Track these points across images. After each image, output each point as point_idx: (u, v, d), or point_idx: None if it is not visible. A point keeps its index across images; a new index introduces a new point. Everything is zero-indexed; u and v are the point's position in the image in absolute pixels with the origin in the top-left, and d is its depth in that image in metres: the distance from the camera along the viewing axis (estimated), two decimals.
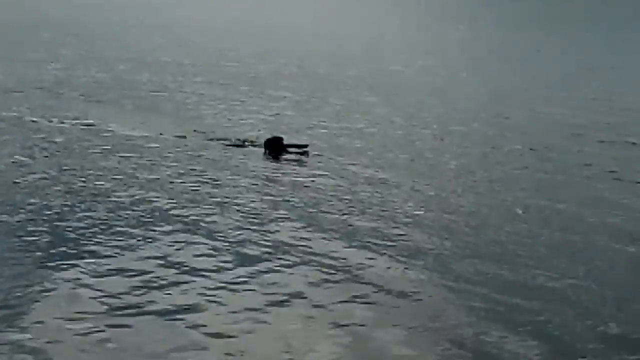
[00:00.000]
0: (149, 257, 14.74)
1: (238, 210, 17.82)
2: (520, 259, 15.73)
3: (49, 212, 16.86)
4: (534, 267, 15.29)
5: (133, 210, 17.38)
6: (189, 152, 23.37)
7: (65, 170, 20.40)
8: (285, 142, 24.26)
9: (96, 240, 15.43)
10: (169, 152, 23.25)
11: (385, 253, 15.55)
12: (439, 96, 37.88)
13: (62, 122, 26.42)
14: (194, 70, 42.97)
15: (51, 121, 26.46)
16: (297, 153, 24.03)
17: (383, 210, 18.44)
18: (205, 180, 20.32)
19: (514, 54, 61.86)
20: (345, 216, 17.92)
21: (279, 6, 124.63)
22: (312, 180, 20.98)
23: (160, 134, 25.70)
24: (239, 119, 29.47)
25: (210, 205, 18.17)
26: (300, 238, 16.16)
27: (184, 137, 25.36)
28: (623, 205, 20.06)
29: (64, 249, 14.86)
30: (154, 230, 16.22)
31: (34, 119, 26.67)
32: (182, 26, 73.89)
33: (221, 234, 16.17)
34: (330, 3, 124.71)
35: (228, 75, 41.84)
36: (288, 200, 18.88)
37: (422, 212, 18.54)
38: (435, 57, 56.59)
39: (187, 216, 17.24)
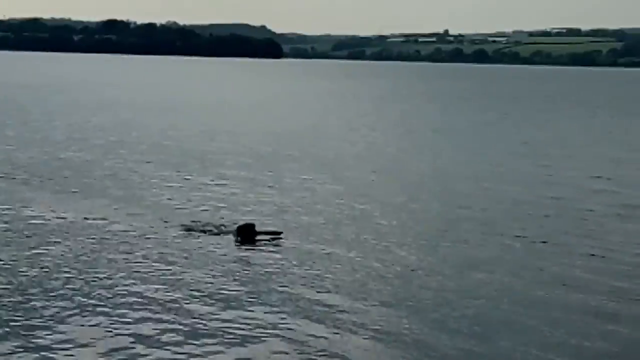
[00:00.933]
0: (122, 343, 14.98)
1: (215, 297, 17.98)
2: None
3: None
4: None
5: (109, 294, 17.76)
6: (159, 240, 22.99)
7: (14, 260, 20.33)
8: (257, 228, 23.52)
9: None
10: (137, 240, 22.92)
11: (361, 333, 15.87)
12: (384, 172, 38.29)
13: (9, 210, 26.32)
14: (140, 150, 43.04)
15: None
16: (270, 240, 23.29)
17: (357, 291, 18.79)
18: (179, 269, 20.13)
19: (455, 130, 62.89)
20: (321, 295, 18.32)
21: (216, 85, 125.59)
22: (288, 266, 20.82)
23: (119, 222, 25.22)
24: (195, 202, 29.18)
25: (188, 291, 18.32)
26: (279, 323, 16.33)
27: (151, 227, 24.71)
28: (550, 273, 20.99)
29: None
30: (127, 315, 16.48)
31: None
32: (123, 106, 74.04)
33: (199, 319, 16.37)
34: (281, 86, 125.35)
35: (175, 154, 41.95)
36: (263, 286, 18.93)
37: (388, 288, 19.10)
38: (379, 134, 57.20)
39: (161, 301, 17.47)
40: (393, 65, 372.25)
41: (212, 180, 34.22)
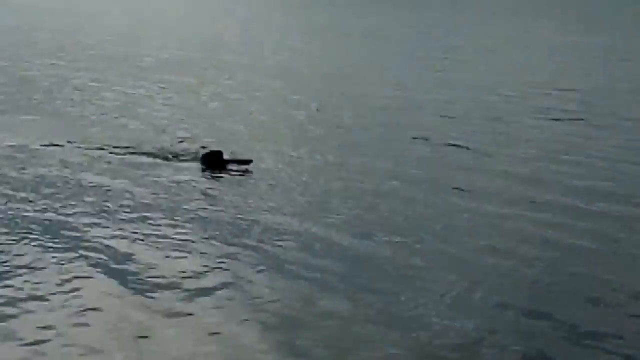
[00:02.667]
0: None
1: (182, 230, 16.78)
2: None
3: None
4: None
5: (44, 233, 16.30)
6: (113, 168, 21.39)
7: None
8: (225, 156, 21.95)
9: None
10: (88, 168, 21.31)
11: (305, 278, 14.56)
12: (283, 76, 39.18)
13: None
14: (53, 54, 42.29)
15: None
16: (239, 169, 21.61)
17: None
18: (141, 202, 18.54)
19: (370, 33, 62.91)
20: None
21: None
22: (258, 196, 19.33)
23: (69, 142, 23.81)
24: (141, 118, 28.02)
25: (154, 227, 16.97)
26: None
27: (102, 148, 23.25)
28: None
29: None
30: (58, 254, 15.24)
31: None
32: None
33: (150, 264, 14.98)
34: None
35: (96, 59, 41.33)
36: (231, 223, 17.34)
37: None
38: (293, 40, 56.97)
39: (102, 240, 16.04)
40: None
41: (151, 94, 33.54)
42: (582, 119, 30.22)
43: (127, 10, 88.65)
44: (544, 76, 42.09)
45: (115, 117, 28.40)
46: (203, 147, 23.15)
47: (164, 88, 34.98)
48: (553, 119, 30.17)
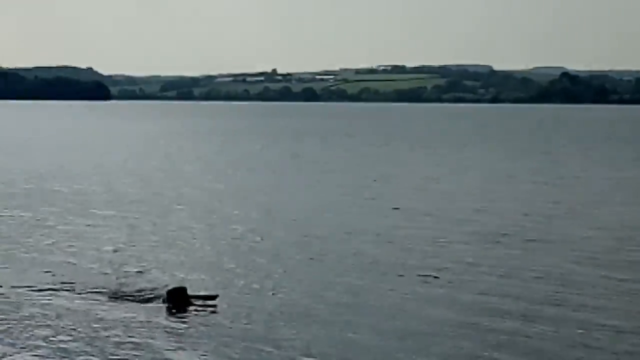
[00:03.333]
0: None
1: None
2: None
3: None
4: None
5: None
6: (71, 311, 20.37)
7: None
8: (190, 292, 21.10)
9: None
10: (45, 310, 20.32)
11: None
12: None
13: None
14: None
15: None
16: (204, 304, 20.83)
17: None
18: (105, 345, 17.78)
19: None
20: None
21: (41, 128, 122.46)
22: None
23: (16, 286, 22.59)
24: (97, 256, 27.16)
25: None
26: None
27: (54, 290, 22.30)
28: None
29: None
30: None
31: None
32: None
33: None
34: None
35: (34, 197, 40.63)
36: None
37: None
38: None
39: None
40: (221, 105, 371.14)
41: (95, 227, 32.99)
42: (513, 241, 31.82)
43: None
44: (478, 200, 42.94)
45: (66, 255, 27.75)
46: (165, 286, 22.24)
47: (104, 224, 34.39)
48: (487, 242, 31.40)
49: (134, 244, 29.96)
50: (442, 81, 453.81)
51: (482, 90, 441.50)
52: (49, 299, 21.53)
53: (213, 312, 20.62)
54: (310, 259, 27.56)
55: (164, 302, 20.87)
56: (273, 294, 22.49)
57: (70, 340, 18.14)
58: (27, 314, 20.14)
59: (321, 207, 40.05)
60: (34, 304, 21.13)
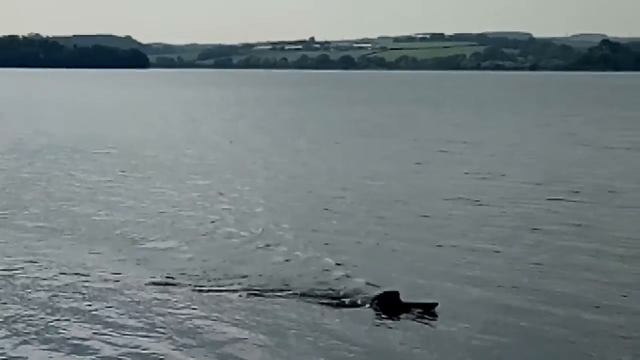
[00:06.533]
0: None
1: None
2: None
3: None
4: None
5: None
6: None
7: None
8: (404, 298, 18.26)
9: None
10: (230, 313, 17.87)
11: None
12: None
13: None
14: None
15: None
16: (421, 313, 17.91)
17: None
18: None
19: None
20: None
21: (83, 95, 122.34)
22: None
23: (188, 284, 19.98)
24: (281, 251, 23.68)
25: None
26: None
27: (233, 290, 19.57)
28: None
29: None
30: None
31: None
32: None
33: None
34: None
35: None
36: None
37: None
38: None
39: None
40: (259, 73, 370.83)
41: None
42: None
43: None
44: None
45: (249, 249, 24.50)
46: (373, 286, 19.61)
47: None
48: None
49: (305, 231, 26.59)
50: (480, 49, 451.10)
51: (521, 58, 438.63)
52: (240, 300, 18.97)
53: (432, 322, 17.65)
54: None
55: (373, 307, 18.27)
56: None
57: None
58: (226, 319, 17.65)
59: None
60: (224, 306, 18.55)
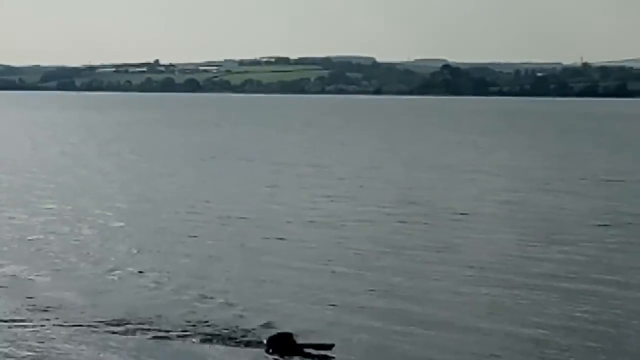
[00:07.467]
0: None
1: None
2: None
3: None
4: None
5: None
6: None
7: None
8: (297, 339, 17.76)
9: None
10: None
11: None
12: None
13: None
14: None
15: None
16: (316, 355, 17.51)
17: None
18: None
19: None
20: None
21: None
22: None
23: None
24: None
25: None
26: None
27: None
28: None
29: None
30: None
31: None
32: None
33: None
34: None
35: None
36: None
37: None
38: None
39: None
40: (103, 96, 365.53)
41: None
42: None
43: None
44: None
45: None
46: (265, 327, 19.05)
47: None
48: None
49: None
50: (325, 73, 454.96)
51: (365, 82, 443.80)
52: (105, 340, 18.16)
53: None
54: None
55: (266, 350, 17.74)
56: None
57: None
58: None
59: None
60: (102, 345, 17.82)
